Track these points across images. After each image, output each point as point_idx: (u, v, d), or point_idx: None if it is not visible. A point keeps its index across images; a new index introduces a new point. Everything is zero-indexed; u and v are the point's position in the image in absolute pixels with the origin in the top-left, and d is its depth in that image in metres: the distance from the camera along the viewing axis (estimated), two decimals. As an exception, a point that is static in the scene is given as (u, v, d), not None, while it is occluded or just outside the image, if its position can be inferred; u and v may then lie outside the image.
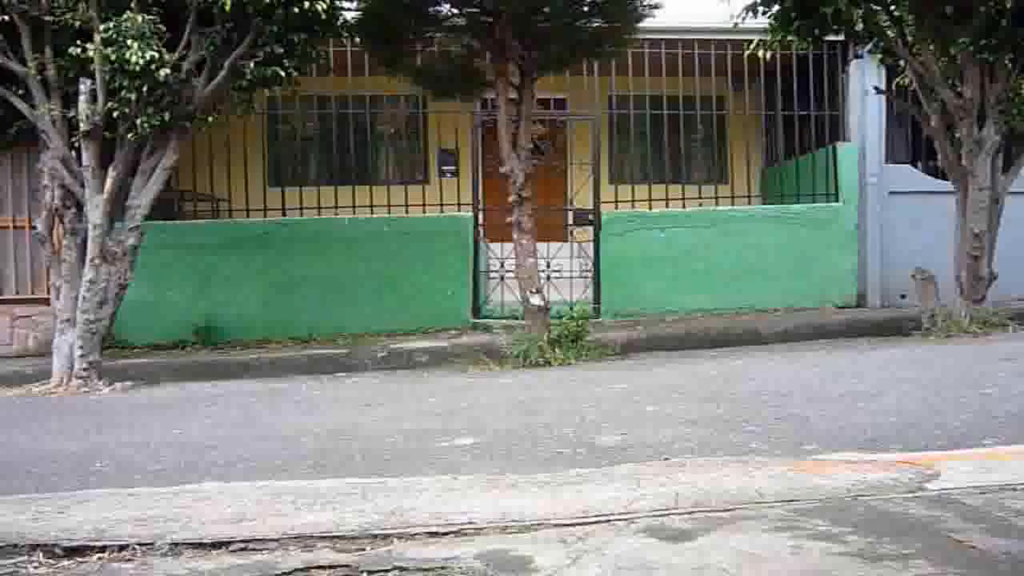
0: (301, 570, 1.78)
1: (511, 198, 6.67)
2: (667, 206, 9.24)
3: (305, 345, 7.57)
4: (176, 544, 1.94)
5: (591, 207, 8.95)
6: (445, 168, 10.63)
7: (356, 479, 2.66)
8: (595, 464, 2.76)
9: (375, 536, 1.95)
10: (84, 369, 6.04)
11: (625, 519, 1.99)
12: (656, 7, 6.83)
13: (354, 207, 8.91)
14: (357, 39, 7.51)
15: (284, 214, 8.95)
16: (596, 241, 8.84)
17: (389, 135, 10.90)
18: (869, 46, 7.94)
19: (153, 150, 6.41)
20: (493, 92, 6.87)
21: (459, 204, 9.16)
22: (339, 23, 6.85)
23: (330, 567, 1.79)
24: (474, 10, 6.60)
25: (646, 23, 7.01)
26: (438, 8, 6.73)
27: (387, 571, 1.75)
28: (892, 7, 7.08)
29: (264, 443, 3.58)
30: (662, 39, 9.00)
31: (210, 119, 6.62)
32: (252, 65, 6.36)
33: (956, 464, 2.45)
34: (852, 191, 9.18)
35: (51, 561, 1.90)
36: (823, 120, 9.51)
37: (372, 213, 8.91)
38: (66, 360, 6.15)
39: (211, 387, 5.90)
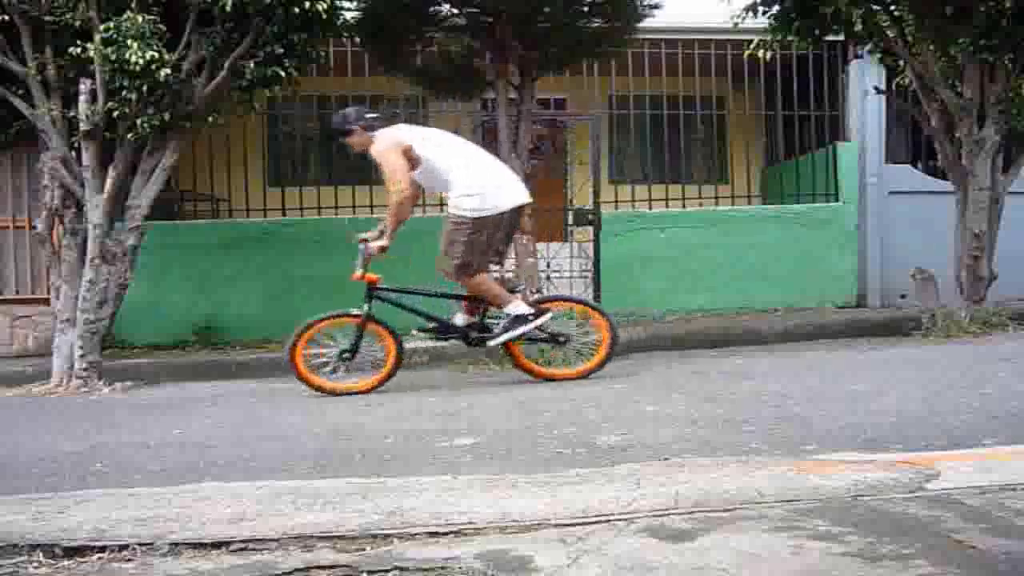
0: (301, 570, 1.78)
1: (511, 198, 6.66)
2: (667, 206, 9.24)
3: (305, 345, 7.55)
4: (176, 544, 1.94)
5: (591, 207, 8.95)
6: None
7: (356, 479, 2.66)
8: (595, 464, 2.76)
9: (375, 536, 1.95)
10: (84, 369, 6.04)
11: (625, 519, 1.99)
12: (656, 7, 6.84)
13: (354, 207, 8.90)
14: (357, 39, 7.51)
15: (284, 214, 8.94)
16: (596, 241, 8.82)
17: (389, 135, 10.88)
18: (869, 46, 7.93)
19: (153, 150, 6.41)
20: (493, 92, 6.88)
21: (459, 204, 9.15)
22: (339, 23, 6.85)
23: (330, 567, 1.79)
24: (474, 10, 6.61)
25: (646, 23, 7.01)
26: (438, 8, 6.74)
27: (387, 571, 1.75)
28: (892, 7, 7.08)
29: (264, 443, 3.58)
30: (662, 39, 9.00)
31: (210, 119, 6.62)
32: (252, 65, 6.35)
33: (956, 464, 2.45)
34: (852, 191, 9.18)
35: (51, 561, 1.90)
36: (823, 120, 9.51)
37: (372, 213, 8.90)
38: (66, 360, 6.15)
39: (211, 387, 5.89)
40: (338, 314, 5.06)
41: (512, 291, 5.09)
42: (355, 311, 5.02)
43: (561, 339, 5.11)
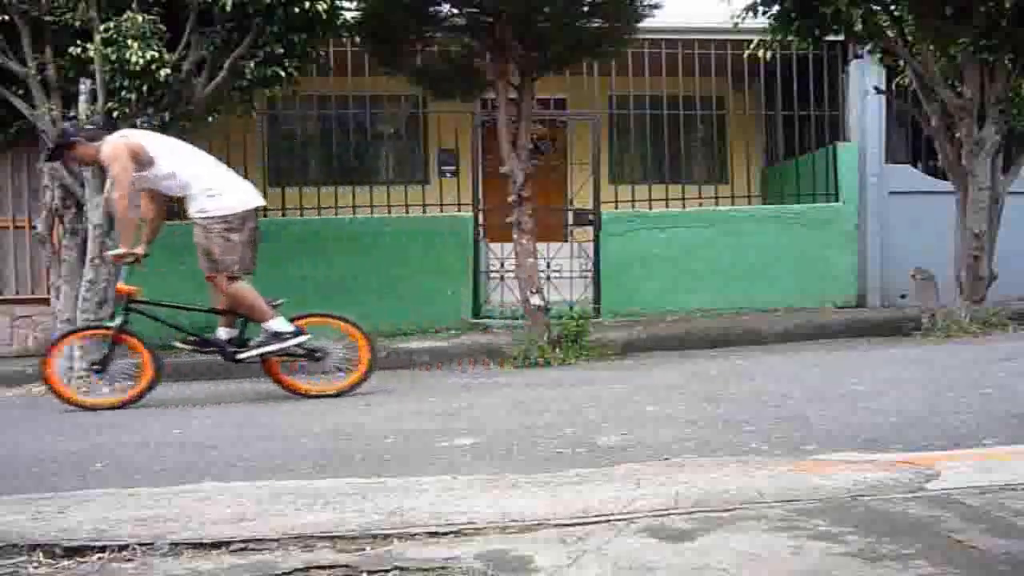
0: (301, 570, 1.78)
1: (511, 198, 6.67)
2: (667, 206, 9.24)
3: (305, 345, 7.55)
4: (176, 544, 1.93)
5: (591, 207, 8.95)
6: (445, 168, 10.63)
7: (356, 479, 2.66)
8: (595, 464, 2.76)
9: (375, 536, 1.95)
10: (84, 369, 6.03)
11: (625, 519, 1.99)
12: (656, 7, 6.82)
13: (354, 207, 8.91)
14: (357, 39, 7.52)
15: (284, 214, 8.94)
16: (596, 241, 8.83)
17: (389, 135, 10.90)
18: (869, 46, 7.94)
19: (153, 150, 6.41)
20: (493, 92, 6.87)
21: (459, 204, 9.16)
22: (339, 23, 6.85)
23: (330, 567, 1.79)
24: (474, 10, 6.60)
25: (646, 23, 7.00)
26: (438, 8, 6.72)
27: (387, 571, 1.75)
28: (892, 7, 7.08)
29: (264, 443, 3.58)
30: (662, 39, 9.00)
31: (210, 119, 6.62)
32: (252, 65, 6.36)
33: (956, 464, 2.45)
34: (852, 191, 9.18)
35: (51, 561, 1.89)
36: (823, 120, 9.51)
37: (372, 213, 8.91)
38: (66, 360, 6.14)
39: (211, 387, 5.89)
40: (91, 327, 5.13)
41: (274, 306, 5.02)
42: (108, 324, 5.04)
43: (318, 355, 5.05)
